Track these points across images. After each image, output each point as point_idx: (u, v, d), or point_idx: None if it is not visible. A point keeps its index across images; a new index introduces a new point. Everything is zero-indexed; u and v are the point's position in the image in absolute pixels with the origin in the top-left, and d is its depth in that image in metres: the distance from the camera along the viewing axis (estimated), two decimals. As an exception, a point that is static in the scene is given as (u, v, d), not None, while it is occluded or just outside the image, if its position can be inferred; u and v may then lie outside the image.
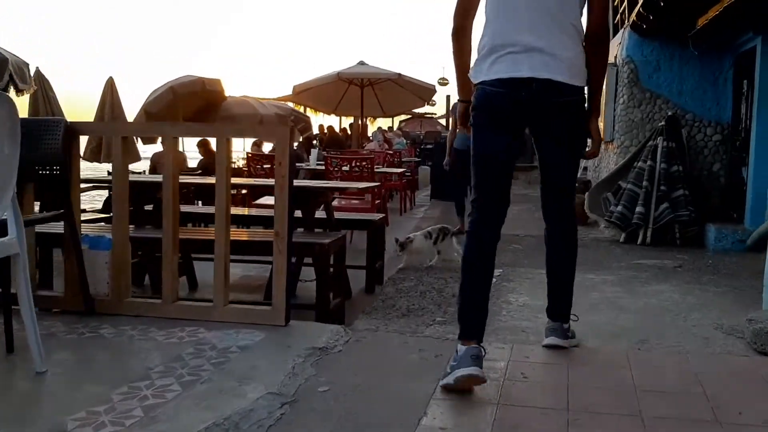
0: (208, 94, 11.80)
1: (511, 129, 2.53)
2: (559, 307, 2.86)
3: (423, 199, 12.46)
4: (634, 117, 7.18)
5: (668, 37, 6.87)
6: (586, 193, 7.16)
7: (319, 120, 18.12)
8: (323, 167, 7.26)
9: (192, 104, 11.95)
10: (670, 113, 6.92)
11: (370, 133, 19.57)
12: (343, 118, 18.06)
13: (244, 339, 2.92)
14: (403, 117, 25.23)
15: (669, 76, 7.00)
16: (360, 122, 17.52)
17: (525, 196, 9.66)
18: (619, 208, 6.78)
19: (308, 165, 7.66)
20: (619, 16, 8.17)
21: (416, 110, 25.22)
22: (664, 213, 6.56)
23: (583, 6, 2.57)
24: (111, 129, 3.77)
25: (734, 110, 6.83)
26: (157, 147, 10.14)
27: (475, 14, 2.60)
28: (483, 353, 2.40)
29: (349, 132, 17.98)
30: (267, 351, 2.78)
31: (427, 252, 5.34)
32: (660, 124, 6.87)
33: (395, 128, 25.39)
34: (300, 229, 4.38)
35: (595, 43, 2.60)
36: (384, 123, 20.80)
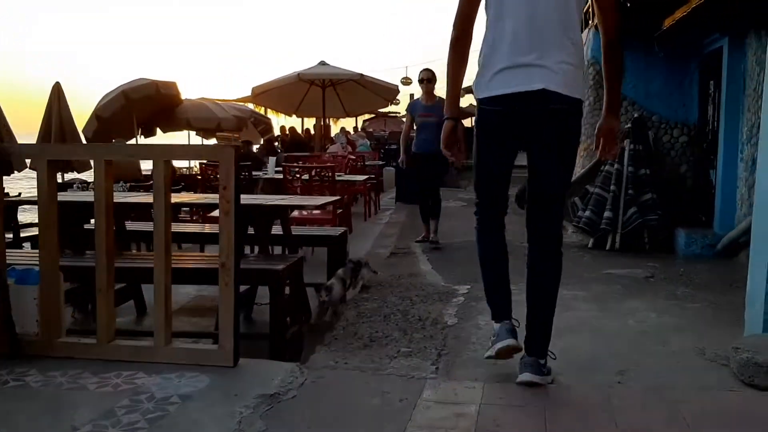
0: (162, 97, 11.42)
1: (509, 142, 2.71)
2: (537, 341, 2.70)
3: (388, 203, 12.22)
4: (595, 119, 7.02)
5: (634, 38, 6.70)
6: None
7: (281, 121, 17.77)
8: (282, 176, 6.96)
9: (146, 108, 11.56)
10: (636, 115, 6.78)
11: (333, 134, 19.26)
12: (306, 119, 17.65)
13: (187, 385, 2.62)
14: (367, 116, 24.88)
15: (635, 77, 6.85)
16: (322, 123, 17.21)
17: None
18: (587, 213, 6.62)
19: (266, 174, 7.32)
20: (582, 15, 7.99)
21: (380, 110, 25.08)
22: (632, 217, 6.41)
23: (581, 21, 2.70)
24: (37, 150, 3.40)
25: (701, 112, 6.71)
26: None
27: (475, 20, 2.66)
28: (516, 325, 2.79)
29: (312, 132, 17.65)
30: (211, 401, 2.48)
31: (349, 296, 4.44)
32: (626, 126, 6.72)
33: (360, 128, 25.10)
34: (252, 254, 4.10)
35: (610, 49, 2.76)
36: (348, 123, 20.56)
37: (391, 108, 27.43)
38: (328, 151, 12.67)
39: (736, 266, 5.16)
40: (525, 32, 2.53)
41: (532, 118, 2.56)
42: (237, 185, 2.78)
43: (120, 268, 3.07)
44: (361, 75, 13.21)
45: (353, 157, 12.36)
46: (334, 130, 19.34)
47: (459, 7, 2.65)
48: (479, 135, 2.72)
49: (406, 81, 23.14)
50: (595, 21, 6.93)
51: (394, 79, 24.06)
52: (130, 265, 3.57)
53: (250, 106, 15.03)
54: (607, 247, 6.45)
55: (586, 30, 7.42)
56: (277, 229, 4.27)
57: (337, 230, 5.04)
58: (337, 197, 5.79)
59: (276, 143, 18.41)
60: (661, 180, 6.62)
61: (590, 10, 7.26)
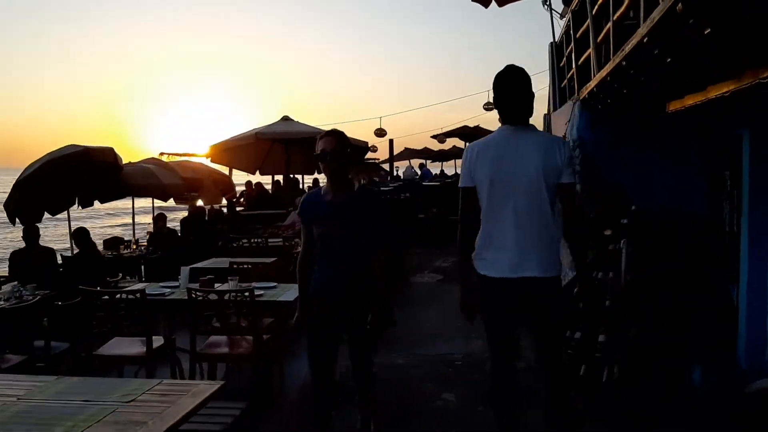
0: (97, 165, 10.14)
1: (507, 306, 3.21)
2: None
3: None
4: (590, 212, 5.79)
5: (629, 118, 5.53)
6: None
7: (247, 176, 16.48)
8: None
9: (78, 178, 10.27)
10: (633, 207, 5.54)
11: (305, 185, 18.00)
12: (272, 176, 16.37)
13: None
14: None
15: (631, 161, 5.65)
16: (290, 178, 15.96)
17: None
18: (578, 334, 5.32)
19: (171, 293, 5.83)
20: (566, 81, 6.82)
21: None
22: (633, 341, 5.12)
23: (555, 213, 3.14)
24: None
25: (712, 205, 5.49)
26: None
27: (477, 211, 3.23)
28: None
29: (281, 185, 16.28)
30: None
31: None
32: (622, 221, 5.48)
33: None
34: None
35: (570, 230, 3.25)
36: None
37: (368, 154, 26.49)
38: (285, 223, 11.34)
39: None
40: (513, 230, 3.13)
41: (522, 294, 3.15)
42: None
43: None
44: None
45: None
46: (308, 180, 18.15)
47: (460, 210, 3.27)
48: (487, 301, 3.27)
49: (380, 132, 22.01)
50: (581, 95, 5.73)
51: (369, 129, 22.96)
52: None
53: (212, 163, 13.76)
54: (605, 379, 5.14)
55: (570, 102, 6.23)
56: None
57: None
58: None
59: (241, 199, 17.19)
60: (667, 290, 5.35)
61: (573, 76, 6.09)
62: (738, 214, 5.01)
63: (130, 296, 4.80)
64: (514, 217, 3.10)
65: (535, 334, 3.22)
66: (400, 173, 24.36)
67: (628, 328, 5.13)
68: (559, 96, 7.42)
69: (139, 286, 5.74)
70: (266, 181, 17.02)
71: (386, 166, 24.81)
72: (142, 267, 10.03)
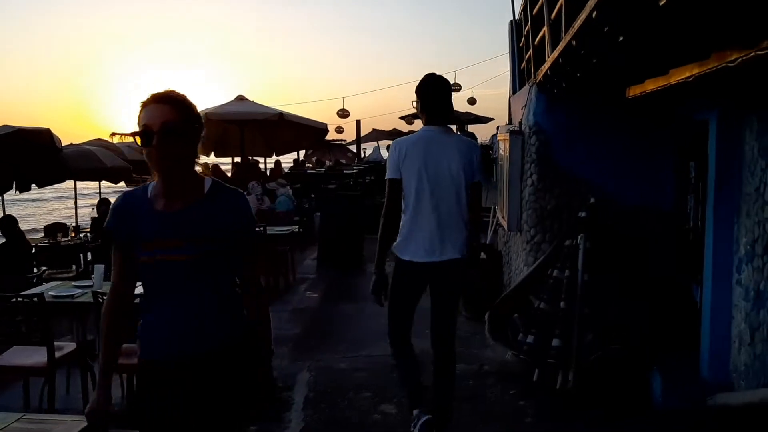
0: (32, 147, 9.47)
1: (420, 285, 3.73)
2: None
3: (309, 267, 10.39)
4: (547, 204, 5.36)
5: (588, 102, 5.09)
6: (487, 314, 5.26)
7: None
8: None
9: (14, 160, 9.59)
10: (592, 200, 5.11)
11: (266, 167, 17.36)
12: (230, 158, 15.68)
13: None
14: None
15: (591, 150, 5.22)
16: (248, 160, 15.32)
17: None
18: (530, 338, 4.91)
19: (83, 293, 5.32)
20: (524, 63, 6.35)
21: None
22: (590, 347, 4.73)
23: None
24: None
25: (677, 197, 5.09)
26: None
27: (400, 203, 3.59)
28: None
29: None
30: None
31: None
32: (580, 215, 5.05)
33: (301, 159, 23.23)
34: None
35: (472, 218, 3.69)
36: (287, 157, 18.46)
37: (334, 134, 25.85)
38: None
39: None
40: (433, 216, 3.54)
41: (437, 273, 3.61)
42: None
43: None
44: (281, 114, 11.43)
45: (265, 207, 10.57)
46: (269, 163, 17.52)
47: (387, 198, 3.61)
48: (399, 278, 3.72)
49: (343, 113, 21.35)
50: (537, 78, 5.27)
51: (331, 110, 22.31)
52: None
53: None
54: (558, 385, 4.74)
55: (528, 84, 5.77)
56: None
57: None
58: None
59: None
60: (628, 290, 4.95)
61: (530, 57, 5.63)
62: (703, 208, 4.61)
63: (26, 300, 4.26)
64: (436, 209, 3.49)
65: (436, 308, 3.75)
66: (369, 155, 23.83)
67: (585, 333, 4.73)
68: (518, 79, 6.96)
69: (48, 286, 5.19)
70: (226, 162, 16.33)
71: (354, 148, 24.27)
72: (82, 256, 9.45)
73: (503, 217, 6.29)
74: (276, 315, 7.44)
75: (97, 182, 11.49)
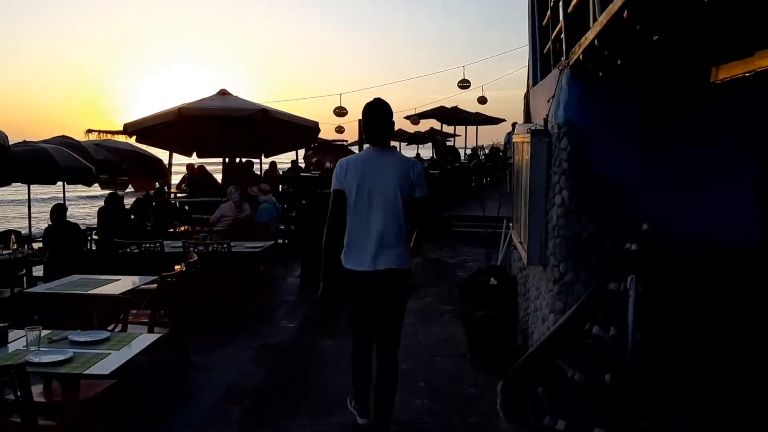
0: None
1: (364, 293, 3.84)
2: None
3: (290, 286, 9.00)
4: (582, 230, 3.95)
5: (642, 92, 3.67)
6: (499, 385, 3.83)
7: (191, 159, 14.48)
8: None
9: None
10: (645, 226, 3.69)
11: (261, 169, 16.00)
12: (214, 159, 14.28)
13: None
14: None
15: (644, 158, 3.80)
16: (235, 162, 13.95)
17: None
18: (561, 423, 3.49)
19: None
20: (550, 43, 4.93)
21: (324, 137, 21.86)
22: (645, 439, 3.31)
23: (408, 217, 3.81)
24: None
25: (764, 229, 3.66)
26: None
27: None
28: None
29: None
30: None
31: None
32: (628, 247, 3.64)
33: (300, 160, 21.82)
34: None
35: (418, 230, 3.95)
36: (284, 158, 16.98)
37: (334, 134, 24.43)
38: (213, 216, 9.42)
39: None
40: (373, 228, 3.75)
41: (378, 282, 3.78)
42: None
43: None
44: (264, 110, 10.05)
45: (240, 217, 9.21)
46: (264, 164, 16.14)
47: (330, 209, 3.85)
48: (346, 285, 3.88)
49: (340, 111, 19.87)
50: (570, 58, 3.87)
51: (327, 108, 20.88)
52: None
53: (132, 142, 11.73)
54: (599, 493, 3.33)
55: (554, 72, 4.37)
56: None
57: None
58: None
59: (183, 185, 15.15)
60: (701, 360, 3.52)
61: (557, 46, 4.23)
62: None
63: None
64: (372, 222, 3.73)
65: (381, 319, 3.90)
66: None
67: (638, 422, 3.32)
68: (541, 66, 5.55)
69: None
70: (215, 163, 14.87)
71: (356, 149, 22.84)
72: (25, 271, 8.12)
73: (520, 243, 4.88)
74: (240, 353, 6.08)
75: (54, 184, 10.11)
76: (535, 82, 5.66)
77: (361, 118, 3.90)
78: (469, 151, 24.89)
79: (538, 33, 5.61)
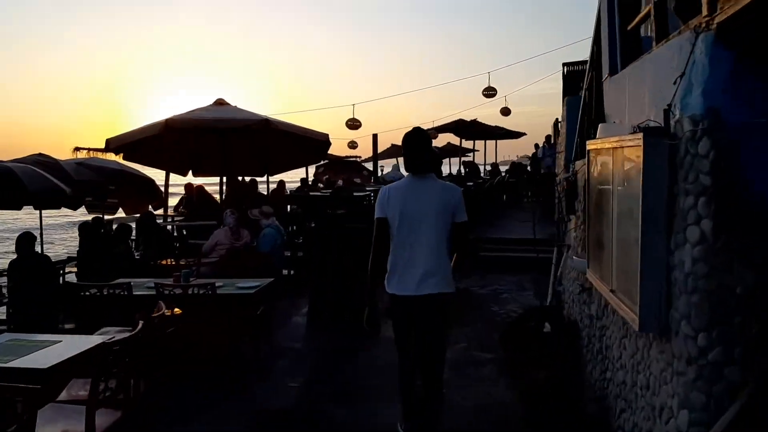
0: None
1: (408, 317, 3.90)
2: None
3: (296, 328, 7.59)
4: (735, 282, 2.52)
5: None
6: None
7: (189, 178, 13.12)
8: None
9: None
10: None
11: (267, 188, 14.69)
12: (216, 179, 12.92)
13: None
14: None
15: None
16: (240, 180, 12.65)
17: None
18: None
19: None
20: (639, 18, 3.53)
21: (334, 153, 20.52)
22: None
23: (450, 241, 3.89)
24: None
25: None
26: None
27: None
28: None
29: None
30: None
31: None
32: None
33: (311, 178, 20.49)
34: None
35: (458, 255, 3.95)
36: (291, 175, 15.61)
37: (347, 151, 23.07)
38: (206, 244, 8.06)
39: None
40: (417, 253, 3.82)
41: (421, 306, 3.82)
42: None
43: None
44: (266, 120, 8.71)
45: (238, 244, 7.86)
46: (272, 183, 14.82)
47: (374, 236, 3.93)
48: (392, 311, 3.95)
49: (353, 124, 18.47)
50: (709, 16, 2.47)
51: (339, 120, 19.49)
52: None
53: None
54: None
55: (674, 41, 2.96)
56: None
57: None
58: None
59: (180, 208, 13.82)
60: None
61: (661, 14, 2.79)
62: None
63: None
64: (413, 247, 3.82)
65: (423, 342, 3.90)
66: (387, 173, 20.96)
67: None
68: (622, 47, 4.15)
69: None
70: (217, 183, 13.50)
71: (370, 166, 21.50)
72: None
73: (613, 294, 3.45)
74: (226, 425, 4.69)
75: (19, 209, 8.81)
76: (613, 71, 4.27)
77: (403, 150, 4.00)
78: (489, 167, 23.56)
79: (617, 5, 4.21)
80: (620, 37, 4.18)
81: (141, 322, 3.72)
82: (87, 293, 5.30)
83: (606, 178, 3.65)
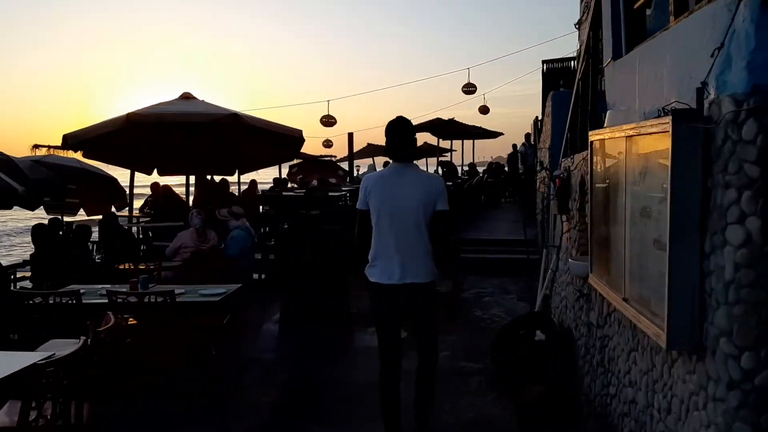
0: None
1: (390, 306, 3.86)
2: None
3: (267, 336, 7.09)
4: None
5: None
6: None
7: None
8: None
9: None
10: None
11: (238, 188, 14.14)
12: (180, 177, 12.33)
13: None
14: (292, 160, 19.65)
15: None
16: (210, 179, 12.10)
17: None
18: None
19: None
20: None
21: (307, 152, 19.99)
22: None
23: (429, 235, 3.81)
24: None
25: None
26: None
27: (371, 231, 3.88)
28: None
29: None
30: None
31: None
32: None
33: (285, 176, 19.96)
34: None
35: (438, 248, 3.88)
36: (268, 173, 15.11)
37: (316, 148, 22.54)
38: (169, 247, 7.53)
39: None
40: (398, 244, 3.77)
41: (405, 294, 3.81)
42: None
43: None
44: (235, 114, 8.21)
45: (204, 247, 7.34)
46: (244, 180, 14.26)
47: (357, 227, 3.92)
48: (373, 299, 3.92)
49: (328, 121, 17.95)
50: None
51: (313, 117, 19.00)
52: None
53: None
54: None
55: (707, 8, 2.53)
56: None
57: None
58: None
59: (146, 209, 13.21)
60: None
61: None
62: None
63: None
64: (398, 236, 3.76)
65: (415, 326, 3.95)
66: (362, 173, 20.48)
67: None
68: (627, 30, 3.75)
69: None
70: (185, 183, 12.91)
71: (345, 165, 21.00)
72: None
73: (628, 305, 3.04)
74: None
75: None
76: (617, 55, 3.87)
77: (386, 139, 3.93)
78: (466, 168, 23.19)
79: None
80: (625, 18, 3.79)
81: (83, 338, 3.21)
82: (31, 302, 4.75)
83: (616, 171, 3.23)
